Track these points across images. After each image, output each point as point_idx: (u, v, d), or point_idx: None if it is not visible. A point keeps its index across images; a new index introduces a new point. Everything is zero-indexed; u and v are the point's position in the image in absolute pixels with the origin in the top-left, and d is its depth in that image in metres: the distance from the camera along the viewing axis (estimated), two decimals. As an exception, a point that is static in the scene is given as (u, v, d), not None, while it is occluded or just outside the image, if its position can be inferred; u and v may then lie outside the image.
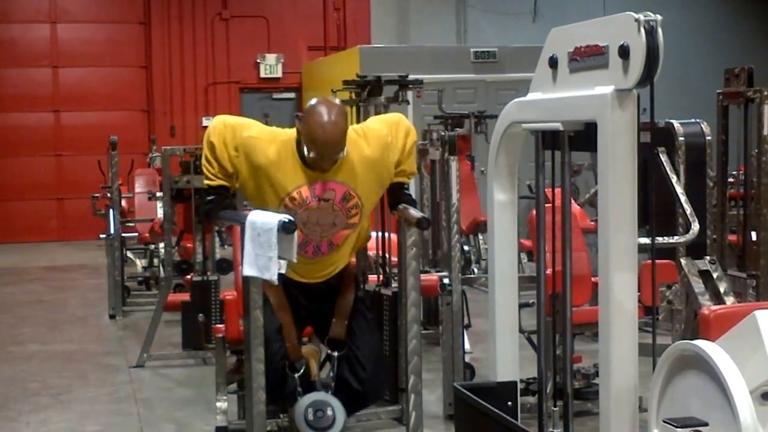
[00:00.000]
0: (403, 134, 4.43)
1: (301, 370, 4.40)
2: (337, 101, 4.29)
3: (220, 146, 4.27)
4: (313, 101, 4.18)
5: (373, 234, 5.01)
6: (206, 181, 4.44)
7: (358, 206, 4.34)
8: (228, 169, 4.27)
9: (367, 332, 4.54)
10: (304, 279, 4.46)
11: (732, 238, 6.63)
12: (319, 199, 4.27)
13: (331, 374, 4.47)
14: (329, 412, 4.31)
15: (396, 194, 4.54)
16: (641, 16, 2.98)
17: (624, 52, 3.01)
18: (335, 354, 4.46)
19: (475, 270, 9.19)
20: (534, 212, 4.91)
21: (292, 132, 4.28)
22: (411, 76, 7.23)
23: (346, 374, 4.45)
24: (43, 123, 16.18)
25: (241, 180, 4.30)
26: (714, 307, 3.70)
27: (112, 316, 8.87)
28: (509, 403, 3.73)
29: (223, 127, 4.30)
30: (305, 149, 4.14)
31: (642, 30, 2.96)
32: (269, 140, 4.26)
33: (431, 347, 6.96)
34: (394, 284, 5.42)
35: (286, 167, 4.22)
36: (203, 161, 4.45)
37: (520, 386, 3.90)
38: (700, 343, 2.92)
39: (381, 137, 4.35)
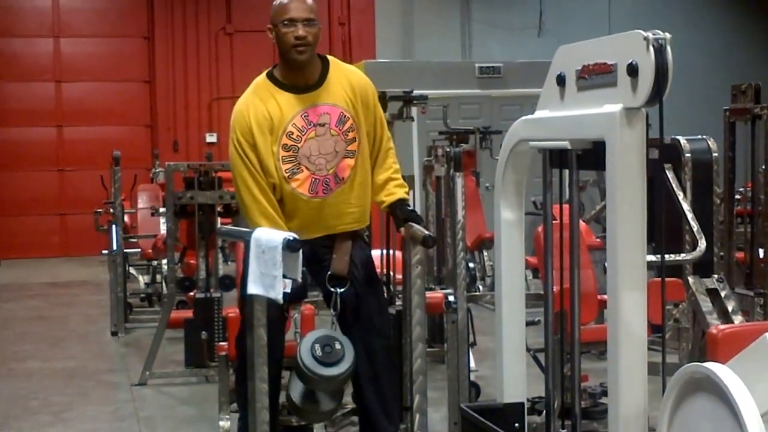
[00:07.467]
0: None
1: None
2: None
3: (243, 151, 4.35)
4: None
5: (377, 252, 4.97)
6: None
7: (354, 129, 4.40)
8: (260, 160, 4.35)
9: (369, 267, 4.55)
10: (311, 234, 4.39)
11: (739, 255, 6.59)
12: (315, 125, 4.32)
13: (334, 313, 4.39)
14: (337, 346, 4.21)
15: (400, 211, 4.50)
16: (650, 35, 2.95)
17: (633, 70, 2.98)
18: (338, 290, 4.39)
19: (480, 287, 9.16)
20: (540, 229, 4.88)
21: (261, 75, 4.50)
22: (416, 92, 7.19)
23: (350, 307, 4.42)
24: (45, 137, 16.16)
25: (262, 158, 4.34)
26: (722, 326, 3.66)
27: (114, 333, 8.82)
28: (516, 424, 3.70)
29: (233, 146, 4.40)
30: (278, 27, 4.33)
31: (651, 48, 2.93)
32: (249, 98, 4.45)
33: (436, 365, 6.90)
34: (399, 302, 5.38)
35: (274, 104, 4.35)
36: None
37: (526, 405, 3.86)
38: (711, 366, 2.87)
39: (362, 78, 4.60)
